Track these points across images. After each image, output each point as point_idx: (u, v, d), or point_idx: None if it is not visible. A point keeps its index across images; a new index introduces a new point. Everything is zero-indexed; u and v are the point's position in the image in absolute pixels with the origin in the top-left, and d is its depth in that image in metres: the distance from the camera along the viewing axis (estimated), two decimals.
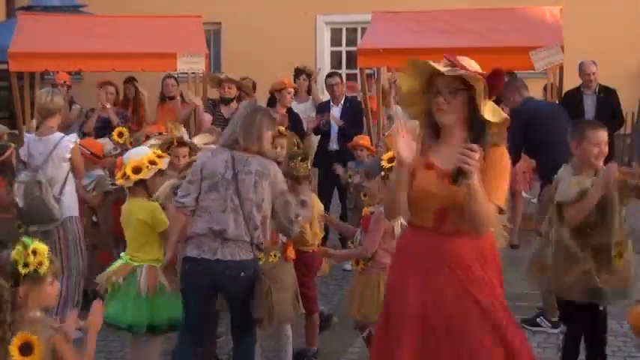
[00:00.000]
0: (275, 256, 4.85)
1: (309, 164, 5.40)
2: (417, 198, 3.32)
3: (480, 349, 3.22)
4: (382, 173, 4.64)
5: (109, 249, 6.27)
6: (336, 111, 8.55)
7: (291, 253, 4.93)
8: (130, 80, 9.75)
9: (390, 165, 4.60)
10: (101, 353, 5.16)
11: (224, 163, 4.17)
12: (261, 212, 4.15)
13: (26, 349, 3.06)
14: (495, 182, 3.24)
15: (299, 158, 5.24)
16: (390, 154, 4.69)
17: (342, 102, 8.66)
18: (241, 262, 4.11)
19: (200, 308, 4.26)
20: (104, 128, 8.41)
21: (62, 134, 5.74)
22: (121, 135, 7.00)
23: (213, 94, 8.65)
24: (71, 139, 5.73)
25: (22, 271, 3.14)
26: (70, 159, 5.67)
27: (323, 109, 8.66)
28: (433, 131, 3.38)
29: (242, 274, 4.11)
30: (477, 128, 3.23)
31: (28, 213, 5.64)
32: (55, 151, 5.59)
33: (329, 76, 8.99)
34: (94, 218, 6.34)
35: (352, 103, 8.86)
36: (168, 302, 4.52)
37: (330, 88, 8.75)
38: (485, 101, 3.24)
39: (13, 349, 3.04)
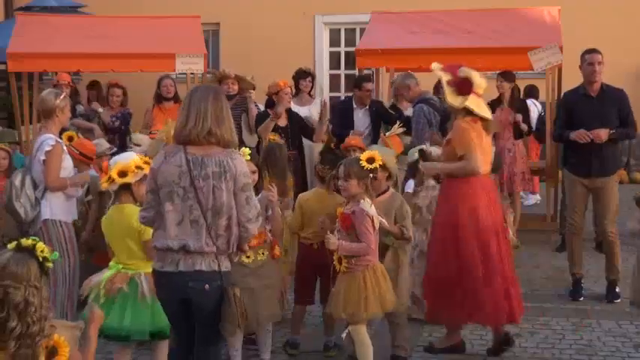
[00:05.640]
0: (263, 254, 4.84)
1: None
2: None
3: None
4: (371, 175, 4.62)
5: (105, 251, 6.19)
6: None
7: (277, 251, 4.93)
8: (95, 85, 9.65)
9: (371, 166, 4.62)
10: (100, 354, 5.14)
11: (178, 169, 3.77)
12: (223, 217, 3.78)
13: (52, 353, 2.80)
14: None
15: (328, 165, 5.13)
16: (367, 154, 4.70)
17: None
18: (203, 273, 3.80)
19: (175, 319, 4.05)
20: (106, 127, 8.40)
21: (47, 136, 5.44)
22: (71, 139, 6.67)
23: None
24: (49, 142, 5.40)
25: (48, 265, 2.80)
26: (44, 160, 5.42)
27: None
28: None
29: (206, 286, 3.81)
30: None
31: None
32: (36, 154, 5.52)
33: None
34: None
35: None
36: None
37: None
38: None
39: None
